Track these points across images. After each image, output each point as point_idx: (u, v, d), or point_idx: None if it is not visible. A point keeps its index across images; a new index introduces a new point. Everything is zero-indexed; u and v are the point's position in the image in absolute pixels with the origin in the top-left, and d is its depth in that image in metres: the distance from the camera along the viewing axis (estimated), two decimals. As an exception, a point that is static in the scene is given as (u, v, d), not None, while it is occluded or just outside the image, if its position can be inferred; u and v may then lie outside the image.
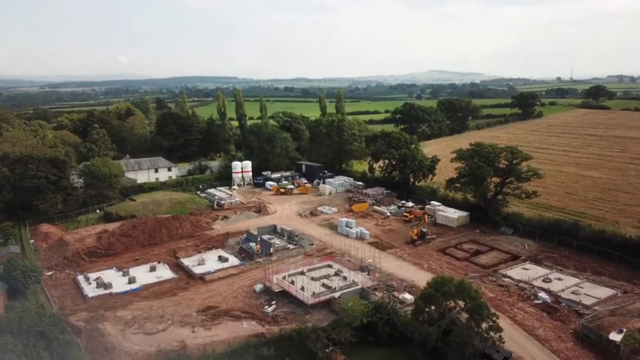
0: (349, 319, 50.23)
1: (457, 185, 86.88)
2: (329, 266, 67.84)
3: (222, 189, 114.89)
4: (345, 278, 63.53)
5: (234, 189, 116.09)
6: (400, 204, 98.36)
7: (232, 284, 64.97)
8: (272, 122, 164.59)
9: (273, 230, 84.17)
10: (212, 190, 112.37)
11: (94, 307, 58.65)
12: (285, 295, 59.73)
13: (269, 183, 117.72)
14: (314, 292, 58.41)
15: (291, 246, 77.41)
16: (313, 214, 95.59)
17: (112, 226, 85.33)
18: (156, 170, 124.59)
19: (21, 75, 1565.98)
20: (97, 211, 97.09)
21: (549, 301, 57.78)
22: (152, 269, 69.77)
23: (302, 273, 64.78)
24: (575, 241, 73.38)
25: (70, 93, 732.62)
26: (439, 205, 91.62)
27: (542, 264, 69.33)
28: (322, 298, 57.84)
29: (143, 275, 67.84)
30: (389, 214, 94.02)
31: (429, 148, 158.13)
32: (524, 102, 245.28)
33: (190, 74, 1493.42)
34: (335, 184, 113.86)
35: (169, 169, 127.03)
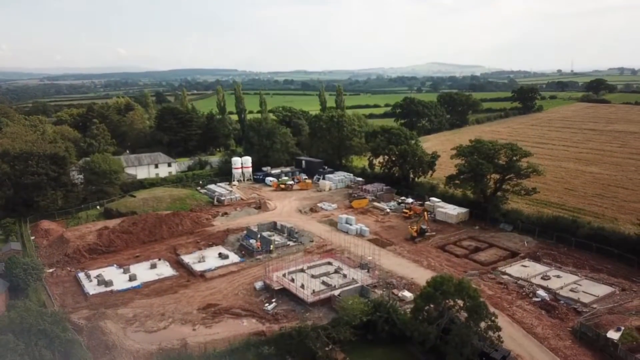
0: (349, 318, 50.48)
1: (457, 181, 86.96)
2: (329, 263, 68.10)
3: (222, 184, 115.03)
4: (345, 275, 63.81)
5: (234, 185, 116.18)
6: (399, 200, 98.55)
7: (233, 281, 65.21)
8: (271, 116, 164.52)
9: (273, 226, 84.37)
10: (212, 186, 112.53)
11: (95, 305, 58.76)
12: (285, 293, 60.01)
13: (269, 179, 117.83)
14: (313, 290, 58.68)
15: (291, 243, 77.62)
16: (313, 210, 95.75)
17: (112, 223, 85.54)
18: (156, 166, 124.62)
19: (20, 68, 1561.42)
20: (98, 207, 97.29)
21: (548, 299, 58.05)
22: (153, 266, 70.01)
23: (302, 270, 65.07)
24: (574, 238, 73.58)
25: (69, 86, 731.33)
26: (438, 202, 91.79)
27: (541, 261, 69.55)
28: (322, 296, 58.06)
29: (144, 272, 68.04)
30: (388, 210, 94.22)
31: (429, 143, 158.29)
32: (524, 95, 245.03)
33: (189, 67, 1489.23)
34: (335, 179, 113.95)
35: (169, 165, 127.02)
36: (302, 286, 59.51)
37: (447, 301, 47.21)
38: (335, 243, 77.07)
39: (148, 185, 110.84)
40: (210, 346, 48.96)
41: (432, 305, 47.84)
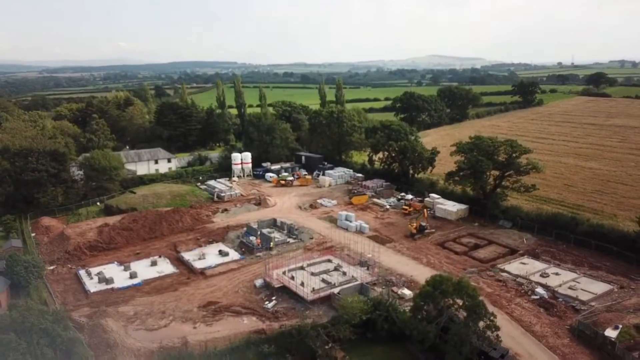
0: (349, 316, 50.82)
1: (457, 178, 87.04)
2: (329, 261, 68.38)
3: (222, 180, 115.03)
4: (344, 273, 64.08)
5: (234, 181, 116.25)
6: (399, 197, 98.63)
7: (233, 278, 65.49)
8: (271, 110, 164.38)
9: (273, 223, 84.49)
10: (212, 182, 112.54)
11: (96, 303, 59.14)
12: (285, 291, 60.29)
13: (268, 174, 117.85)
14: (313, 288, 58.97)
15: (291, 240, 77.83)
16: (313, 206, 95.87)
17: (112, 219, 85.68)
18: (156, 162, 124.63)
19: (19, 60, 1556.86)
20: (98, 204, 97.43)
21: (546, 297, 58.36)
22: (153, 264, 70.27)
23: (301, 268, 65.31)
24: (574, 235, 73.78)
25: (68, 78, 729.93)
26: (438, 198, 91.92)
27: (540, 258, 69.82)
28: (322, 294, 58.38)
29: (144, 269, 68.35)
30: (388, 206, 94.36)
31: (429, 137, 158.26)
32: (525, 89, 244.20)
33: (189, 59, 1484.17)
34: (335, 175, 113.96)
35: (169, 161, 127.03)
36: (302, 284, 59.79)
37: (446, 300, 47.50)
38: (335, 240, 77.33)
39: (148, 181, 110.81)
40: (211, 344, 49.32)
41: (431, 305, 48.11)
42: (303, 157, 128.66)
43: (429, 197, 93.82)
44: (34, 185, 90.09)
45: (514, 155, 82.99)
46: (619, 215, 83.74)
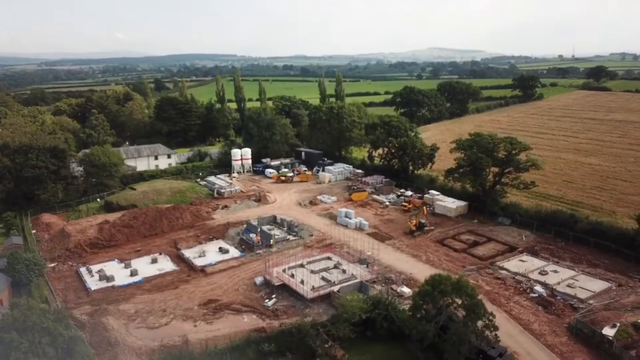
0: (348, 315, 51.13)
1: (456, 175, 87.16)
2: (328, 258, 68.60)
3: (222, 176, 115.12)
4: (344, 271, 64.31)
5: (234, 177, 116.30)
6: (399, 193, 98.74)
7: (233, 276, 65.76)
8: (270, 104, 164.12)
9: (273, 220, 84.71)
10: (212, 178, 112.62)
11: (96, 301, 59.42)
12: (285, 289, 60.55)
13: (268, 170, 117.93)
14: (313, 286, 59.22)
15: (291, 237, 78.04)
16: (312, 203, 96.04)
17: (113, 216, 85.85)
18: (156, 158, 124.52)
19: (17, 53, 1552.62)
20: (98, 200, 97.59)
21: (545, 295, 58.63)
22: (154, 261, 70.48)
23: (301, 265, 65.55)
24: (572, 232, 74.03)
25: (67, 71, 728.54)
26: (437, 195, 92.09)
27: (538, 255, 70.07)
28: (322, 292, 58.65)
29: (145, 267, 68.58)
30: (387, 203, 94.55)
31: (429, 132, 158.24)
32: (525, 83, 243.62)
33: (188, 52, 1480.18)
34: (335, 171, 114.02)
35: (169, 156, 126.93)
36: (302, 282, 60.08)
37: (445, 299, 47.79)
38: (335, 237, 77.51)
39: (148, 178, 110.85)
40: (212, 343, 49.62)
41: (430, 304, 48.40)
42: (303, 153, 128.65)
43: (428, 193, 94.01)
44: (34, 181, 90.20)
45: (513, 152, 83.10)
46: (618, 212, 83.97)
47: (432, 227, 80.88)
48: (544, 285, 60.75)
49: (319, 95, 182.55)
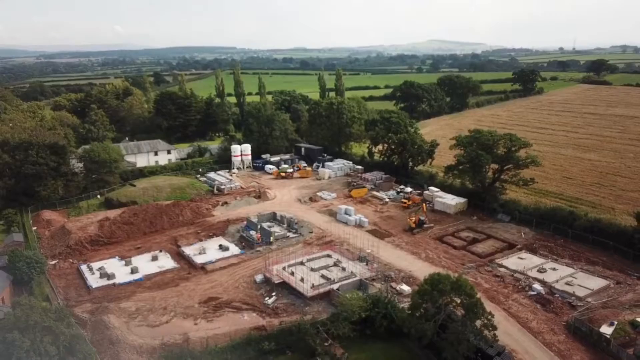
0: (348, 314, 51.47)
1: (456, 172, 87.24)
2: (328, 256, 68.84)
3: (222, 172, 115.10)
4: (344, 269, 64.59)
5: (234, 173, 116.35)
6: (399, 189, 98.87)
7: (233, 274, 66.00)
8: (269, 98, 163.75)
9: (273, 217, 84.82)
10: (211, 175, 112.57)
11: (98, 299, 59.64)
12: (285, 287, 60.83)
13: (268, 166, 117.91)
14: (313, 284, 59.51)
15: (291, 234, 78.20)
16: (312, 199, 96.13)
17: (113, 213, 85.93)
18: (155, 154, 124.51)
19: (16, 45, 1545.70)
20: (98, 197, 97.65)
21: (543, 293, 58.94)
22: (154, 258, 70.68)
23: (301, 263, 65.84)
24: (571, 230, 74.25)
25: (66, 64, 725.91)
26: (437, 191, 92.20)
27: (537, 253, 70.34)
28: (321, 290, 58.95)
29: (145, 264, 68.76)
30: (387, 199, 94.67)
31: (429, 127, 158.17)
32: (525, 77, 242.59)
33: (187, 44, 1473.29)
34: (335, 167, 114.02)
35: (168, 152, 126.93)
36: (302, 280, 60.37)
37: (444, 298, 48.06)
38: (335, 234, 77.72)
39: (148, 174, 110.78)
40: (212, 341, 49.94)
41: (429, 303, 48.69)
42: (303, 149, 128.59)
43: (428, 190, 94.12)
44: (35, 178, 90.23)
45: (512, 149, 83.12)
46: (617, 208, 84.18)
47: (432, 225, 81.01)
48: (543, 283, 61.08)
49: (319, 90, 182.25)
